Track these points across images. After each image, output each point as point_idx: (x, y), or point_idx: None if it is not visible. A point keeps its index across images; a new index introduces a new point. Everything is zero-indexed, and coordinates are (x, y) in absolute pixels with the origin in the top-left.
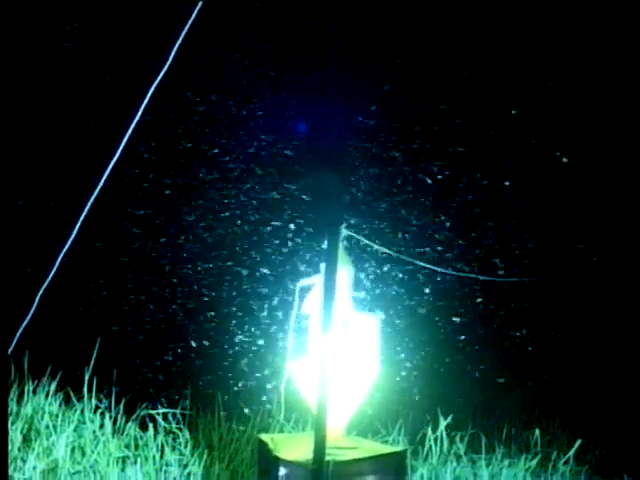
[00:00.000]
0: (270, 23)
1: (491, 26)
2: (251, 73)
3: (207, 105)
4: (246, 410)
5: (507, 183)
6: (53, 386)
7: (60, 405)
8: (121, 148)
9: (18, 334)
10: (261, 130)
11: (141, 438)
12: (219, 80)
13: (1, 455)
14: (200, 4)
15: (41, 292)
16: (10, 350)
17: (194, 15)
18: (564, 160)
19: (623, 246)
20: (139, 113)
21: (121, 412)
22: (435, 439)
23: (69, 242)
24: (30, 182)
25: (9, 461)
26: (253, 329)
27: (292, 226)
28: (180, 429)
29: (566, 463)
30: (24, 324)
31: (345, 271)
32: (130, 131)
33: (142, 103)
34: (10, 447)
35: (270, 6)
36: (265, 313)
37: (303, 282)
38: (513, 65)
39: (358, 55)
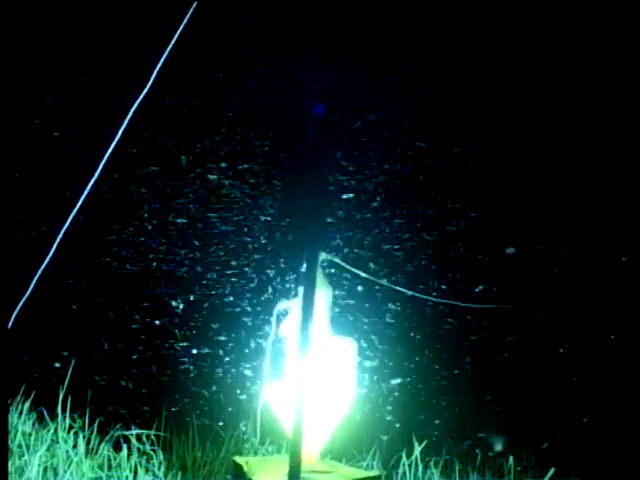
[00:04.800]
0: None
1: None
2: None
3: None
4: (221, 432)
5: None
6: (27, 405)
7: (33, 424)
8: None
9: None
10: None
11: (114, 459)
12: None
13: (1, 456)
14: (195, 4)
15: (17, 310)
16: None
17: (188, 15)
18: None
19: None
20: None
21: (95, 432)
22: (409, 464)
23: (46, 260)
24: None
25: None
26: (229, 351)
27: (269, 249)
28: (154, 450)
29: None
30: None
31: (323, 295)
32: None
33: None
34: None
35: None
36: (242, 336)
37: (281, 305)
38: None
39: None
